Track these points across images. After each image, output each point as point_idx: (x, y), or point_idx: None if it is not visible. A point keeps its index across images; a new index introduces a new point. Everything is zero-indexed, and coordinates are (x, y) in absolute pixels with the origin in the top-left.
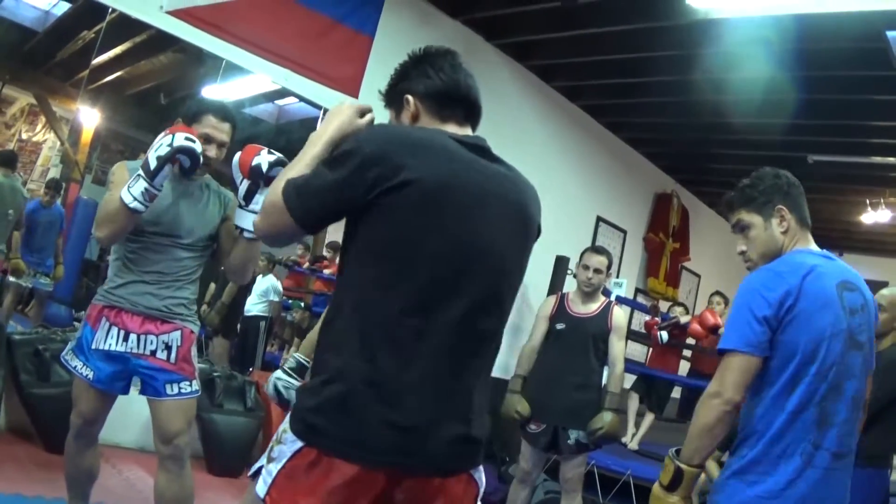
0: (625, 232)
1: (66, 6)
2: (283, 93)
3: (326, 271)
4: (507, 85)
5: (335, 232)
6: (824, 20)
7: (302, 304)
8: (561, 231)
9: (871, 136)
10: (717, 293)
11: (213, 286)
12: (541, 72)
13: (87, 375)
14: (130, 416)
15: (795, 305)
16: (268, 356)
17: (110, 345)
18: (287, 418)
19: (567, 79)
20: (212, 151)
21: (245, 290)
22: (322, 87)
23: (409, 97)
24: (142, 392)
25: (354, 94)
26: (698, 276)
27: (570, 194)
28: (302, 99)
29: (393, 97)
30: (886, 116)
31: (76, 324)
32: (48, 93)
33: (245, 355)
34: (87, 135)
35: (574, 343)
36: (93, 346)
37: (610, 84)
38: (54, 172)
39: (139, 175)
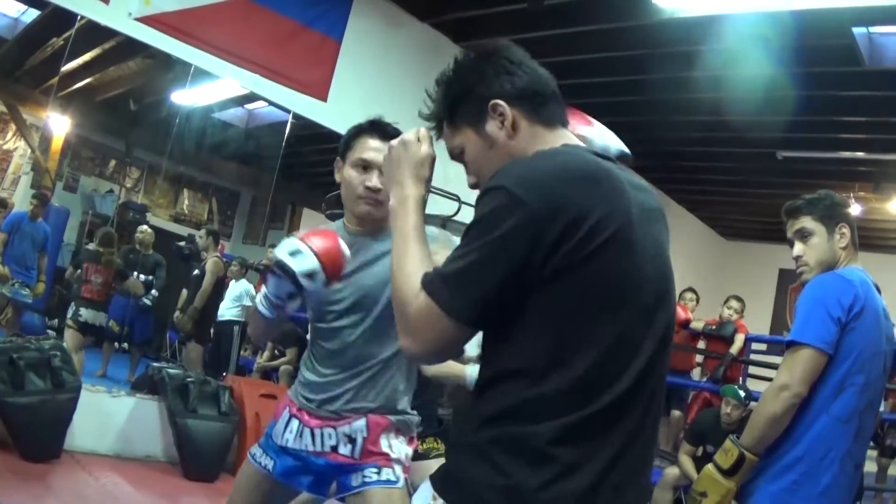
0: None
1: (35, 14)
2: (252, 97)
3: None
4: None
5: None
6: (792, 17)
7: None
8: None
9: (839, 131)
10: (689, 289)
11: (185, 292)
12: None
13: (265, 465)
14: (106, 422)
15: (860, 314)
16: (241, 361)
17: (287, 440)
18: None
19: None
20: (373, 180)
21: (218, 296)
22: (291, 90)
23: (500, 102)
24: (337, 494)
25: (323, 98)
26: None
27: None
28: (271, 103)
29: (466, 109)
30: (854, 112)
31: (49, 332)
32: (18, 100)
33: (219, 360)
34: (57, 142)
35: None
36: (273, 438)
37: (577, 84)
38: (25, 180)
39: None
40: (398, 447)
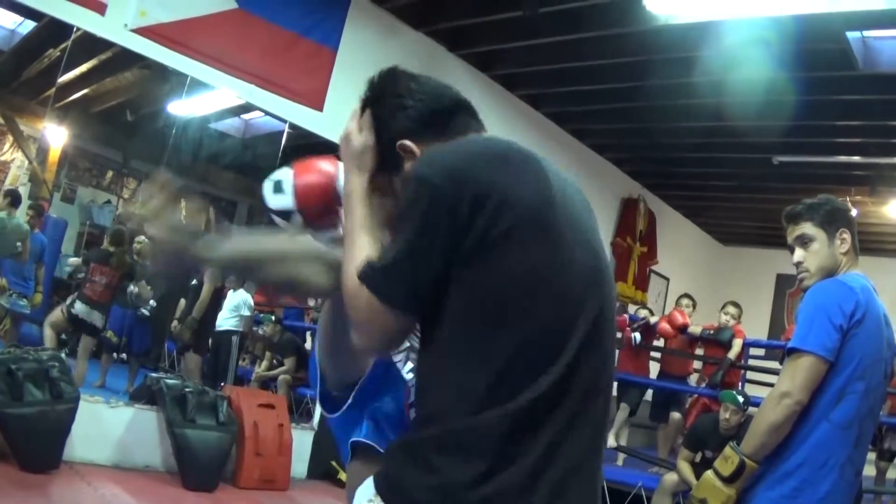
0: None
1: (31, 25)
2: (248, 107)
3: None
4: (470, 94)
5: None
6: (786, 22)
7: (273, 318)
8: None
9: (835, 135)
10: (686, 295)
11: (183, 302)
12: (504, 81)
13: None
14: (104, 432)
15: (862, 321)
16: (240, 371)
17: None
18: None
19: (530, 87)
20: None
21: (216, 306)
22: (287, 100)
23: (405, 142)
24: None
25: (319, 108)
26: (667, 279)
27: None
28: (267, 113)
29: (385, 160)
30: (850, 116)
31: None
32: (15, 112)
33: (217, 370)
34: (54, 153)
35: None
36: None
37: (573, 91)
38: (23, 191)
39: None
40: None
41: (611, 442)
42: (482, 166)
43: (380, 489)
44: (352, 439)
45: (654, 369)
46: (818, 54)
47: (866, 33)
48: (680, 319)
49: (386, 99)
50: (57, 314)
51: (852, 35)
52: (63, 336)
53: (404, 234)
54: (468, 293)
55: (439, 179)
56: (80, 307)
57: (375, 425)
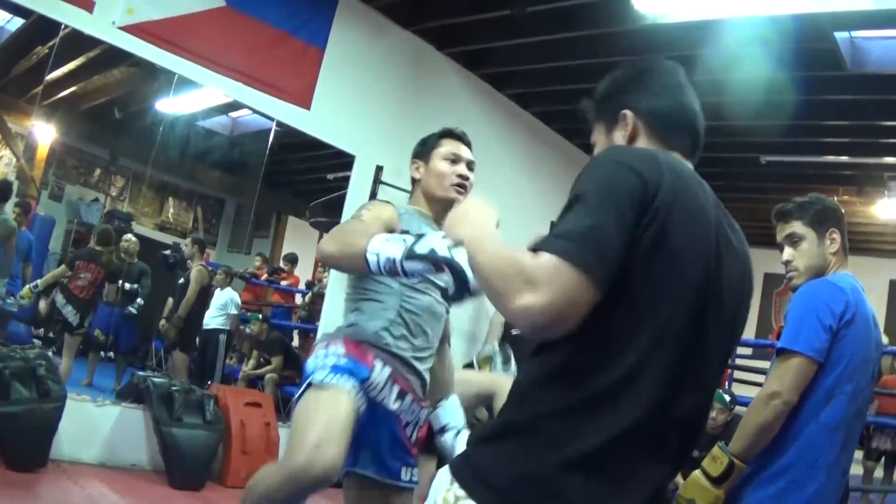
0: None
1: (19, 22)
2: (236, 105)
3: (284, 283)
4: (458, 93)
5: (289, 244)
6: (774, 23)
7: (260, 317)
8: (516, 239)
9: (822, 135)
10: None
11: (170, 301)
12: (492, 80)
13: (347, 387)
14: (91, 431)
15: (851, 322)
16: (227, 369)
17: (384, 398)
18: None
19: (518, 86)
20: (463, 169)
21: (203, 304)
22: (274, 99)
23: (628, 113)
24: (365, 466)
25: (306, 106)
26: None
27: (525, 201)
28: (255, 111)
29: (605, 108)
30: (837, 116)
31: (35, 341)
32: (2, 109)
33: (204, 368)
34: (42, 151)
35: (532, 346)
36: (367, 384)
37: (561, 90)
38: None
39: (402, 244)
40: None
41: None
42: (664, 178)
43: (457, 475)
44: (346, 468)
45: None
46: (807, 54)
47: (854, 33)
48: None
49: (646, 78)
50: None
51: (840, 35)
52: (51, 335)
53: (598, 209)
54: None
55: (645, 172)
56: (59, 298)
57: (373, 455)
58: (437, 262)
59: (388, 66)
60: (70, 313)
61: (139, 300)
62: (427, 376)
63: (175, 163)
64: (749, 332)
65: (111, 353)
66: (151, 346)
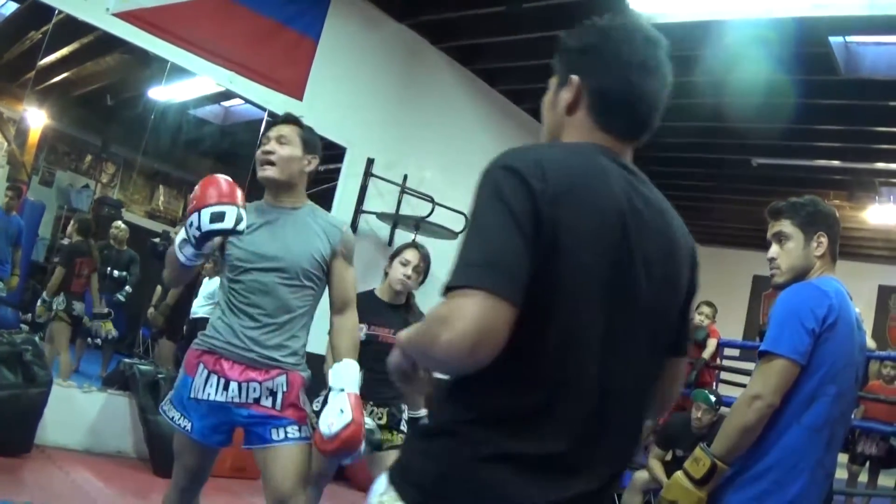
0: None
1: (13, 7)
2: (229, 94)
3: None
4: (452, 89)
5: None
6: (769, 26)
7: None
8: None
9: (814, 139)
10: None
11: (159, 289)
12: (486, 75)
13: (185, 427)
14: (77, 417)
15: (834, 325)
16: None
17: (209, 394)
18: None
19: (512, 82)
20: (268, 146)
21: (190, 293)
22: (267, 89)
23: (575, 79)
24: (246, 443)
25: (298, 97)
26: None
27: None
28: (247, 101)
29: (562, 65)
30: (830, 120)
31: (23, 326)
32: None
33: None
34: (34, 136)
35: None
36: (190, 396)
37: None
38: (1, 173)
39: (185, 240)
40: (307, 403)
41: None
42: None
43: (392, 478)
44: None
45: None
46: (801, 58)
47: (849, 38)
48: None
49: (610, 45)
50: (62, 327)
51: (835, 40)
52: (40, 320)
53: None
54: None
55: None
56: (77, 305)
57: (245, 432)
58: (204, 239)
59: (381, 60)
60: (87, 320)
61: (127, 288)
62: (274, 347)
63: (166, 151)
64: (736, 334)
65: (98, 340)
66: (139, 333)
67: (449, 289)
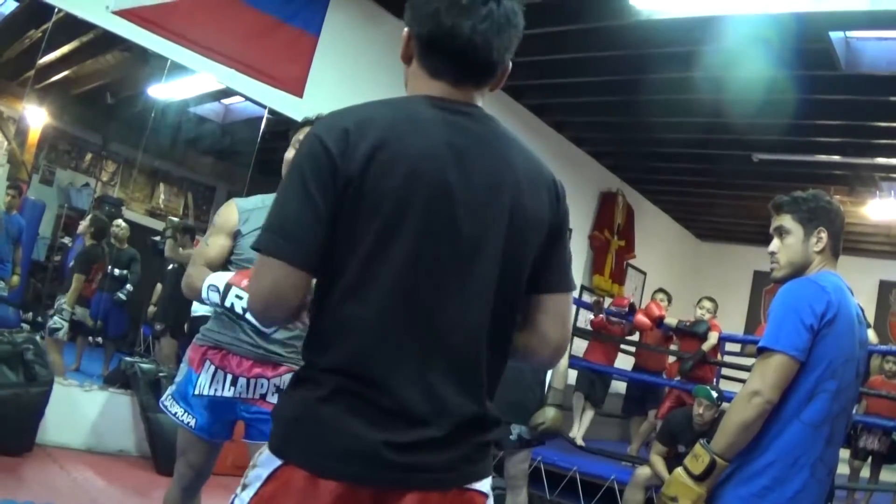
0: (570, 230)
1: (13, 5)
2: (229, 92)
3: None
4: None
5: None
6: (769, 21)
7: None
8: None
9: (815, 134)
10: (661, 290)
11: (159, 287)
12: None
13: (188, 423)
14: (78, 416)
15: (833, 321)
16: None
17: (216, 390)
18: None
19: (511, 78)
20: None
21: None
22: (267, 86)
23: (405, 31)
24: (246, 437)
25: (299, 94)
26: (644, 273)
27: None
28: (247, 98)
29: (404, 21)
30: (830, 116)
31: (24, 325)
32: None
33: None
34: (34, 134)
35: None
36: (195, 392)
37: (554, 84)
38: (1, 172)
39: (217, 292)
40: None
41: (578, 441)
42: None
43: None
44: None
45: (628, 363)
46: (801, 54)
47: (849, 34)
48: (657, 311)
49: None
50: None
51: (835, 35)
52: (38, 319)
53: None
54: None
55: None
56: (79, 311)
57: (248, 427)
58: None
59: (381, 56)
60: (82, 314)
61: (128, 286)
62: (281, 344)
63: (166, 149)
64: (737, 330)
65: (100, 339)
66: (140, 331)
67: (254, 249)
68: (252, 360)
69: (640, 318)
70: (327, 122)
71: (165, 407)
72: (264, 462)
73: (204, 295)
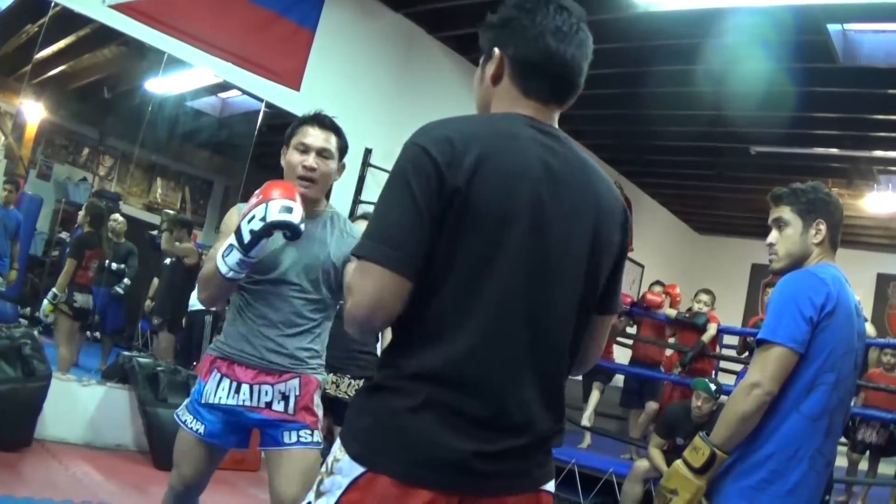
0: None
1: (8, 0)
2: (226, 86)
3: None
4: (449, 78)
5: None
6: (767, 14)
7: None
8: None
9: (813, 127)
10: (657, 283)
11: (156, 281)
12: None
13: (197, 430)
14: (76, 411)
15: (833, 313)
16: None
17: (220, 398)
18: None
19: None
20: (310, 160)
21: (190, 285)
22: (264, 80)
23: (496, 51)
24: (261, 444)
25: (296, 88)
26: (641, 266)
27: None
28: (244, 92)
29: (484, 41)
30: (828, 108)
31: (21, 320)
32: None
33: (190, 349)
34: (31, 129)
35: None
36: (202, 401)
37: None
38: None
39: (232, 245)
40: (320, 408)
41: (584, 422)
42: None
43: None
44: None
45: (625, 356)
46: (799, 46)
47: (847, 26)
48: (657, 299)
49: (525, 16)
50: (65, 321)
51: (833, 27)
52: (47, 320)
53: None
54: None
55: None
56: (80, 298)
57: (262, 434)
58: (258, 234)
59: (378, 49)
60: (84, 300)
61: (126, 280)
62: (286, 353)
63: (163, 143)
64: (735, 323)
65: (97, 333)
66: (138, 326)
67: (356, 257)
68: (257, 369)
69: (650, 296)
70: (429, 132)
71: (178, 416)
72: (344, 469)
73: (221, 266)
